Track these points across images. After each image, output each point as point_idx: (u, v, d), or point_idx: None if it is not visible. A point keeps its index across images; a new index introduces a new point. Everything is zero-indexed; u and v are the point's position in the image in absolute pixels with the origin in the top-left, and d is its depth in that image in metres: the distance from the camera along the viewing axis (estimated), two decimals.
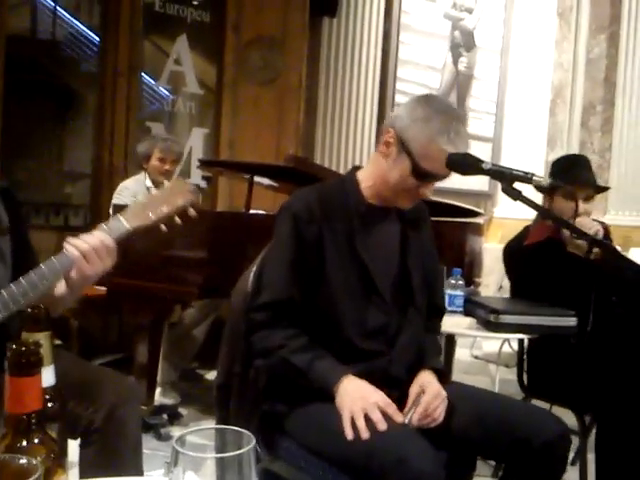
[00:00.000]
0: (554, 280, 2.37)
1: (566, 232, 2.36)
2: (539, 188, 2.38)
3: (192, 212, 1.54)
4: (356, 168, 1.75)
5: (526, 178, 1.51)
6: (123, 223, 1.49)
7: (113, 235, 1.49)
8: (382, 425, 1.41)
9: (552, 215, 1.71)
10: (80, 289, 1.59)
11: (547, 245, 2.43)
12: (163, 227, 1.52)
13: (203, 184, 3.84)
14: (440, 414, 1.54)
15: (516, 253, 2.55)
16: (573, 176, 2.48)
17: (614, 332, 2.36)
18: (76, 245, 1.46)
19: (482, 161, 1.60)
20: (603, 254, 2.18)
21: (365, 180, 1.68)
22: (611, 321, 2.37)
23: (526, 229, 2.60)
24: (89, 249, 1.45)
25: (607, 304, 2.36)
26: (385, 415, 1.44)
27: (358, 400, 1.45)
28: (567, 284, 2.36)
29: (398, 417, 1.46)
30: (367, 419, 1.43)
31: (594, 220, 2.48)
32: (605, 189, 2.61)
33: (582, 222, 2.34)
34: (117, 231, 1.49)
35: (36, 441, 0.74)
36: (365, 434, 1.41)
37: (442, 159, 1.54)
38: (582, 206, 2.43)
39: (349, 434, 1.42)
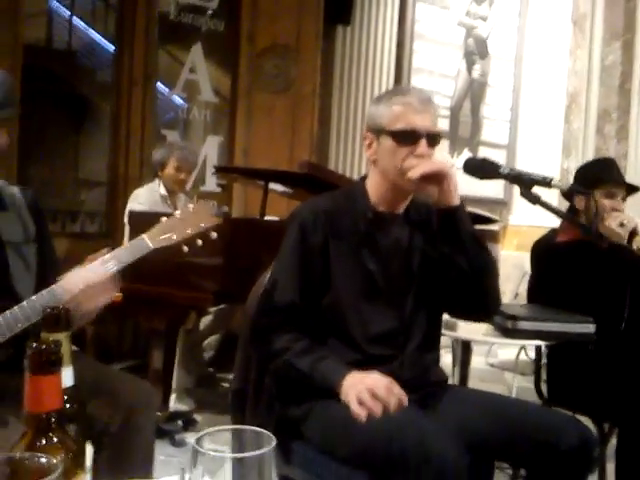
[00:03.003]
0: (586, 282, 2.35)
1: (605, 223, 2.38)
2: (567, 192, 2.40)
3: (214, 235, 1.58)
4: (365, 177, 1.77)
5: (545, 182, 1.51)
6: (147, 243, 1.53)
7: (136, 253, 1.51)
8: (392, 400, 1.43)
9: (572, 218, 1.70)
10: (84, 319, 1.57)
11: (580, 246, 2.41)
12: (185, 248, 1.55)
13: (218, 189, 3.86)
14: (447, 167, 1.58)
15: (548, 251, 2.52)
16: (611, 175, 2.52)
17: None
18: (68, 290, 1.45)
19: (500, 165, 1.60)
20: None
21: (370, 188, 1.71)
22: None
23: (553, 231, 2.58)
24: (81, 292, 1.45)
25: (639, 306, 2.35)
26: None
27: (359, 385, 1.47)
28: (599, 286, 2.34)
29: (404, 398, 1.46)
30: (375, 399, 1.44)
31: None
32: (636, 187, 2.62)
33: (620, 216, 2.37)
34: (140, 250, 1.52)
35: (55, 440, 0.74)
36: (378, 410, 1.41)
37: (409, 112, 1.59)
38: (620, 205, 2.46)
39: (362, 416, 1.42)
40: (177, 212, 1.58)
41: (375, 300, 1.64)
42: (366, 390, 1.44)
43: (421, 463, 1.29)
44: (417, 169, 1.55)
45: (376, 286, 1.64)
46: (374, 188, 1.70)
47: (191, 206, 1.59)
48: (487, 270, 1.64)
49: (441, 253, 1.63)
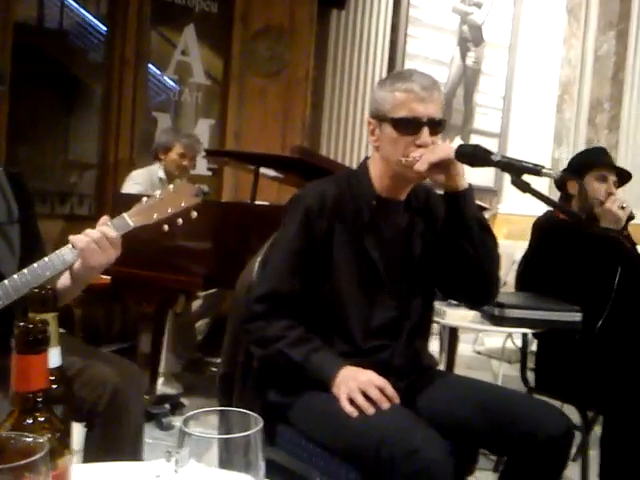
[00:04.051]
0: (577, 263, 2.38)
1: (606, 205, 2.44)
2: (559, 181, 2.43)
3: (194, 214, 1.58)
4: (367, 160, 1.72)
5: (535, 170, 1.50)
6: (127, 221, 1.54)
7: (117, 232, 1.53)
8: (385, 404, 1.43)
9: (561, 207, 1.72)
10: (85, 281, 1.61)
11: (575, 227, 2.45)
12: (165, 227, 1.56)
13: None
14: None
15: (551, 223, 2.54)
16: (602, 159, 2.58)
17: (626, 325, 2.36)
18: (79, 239, 1.50)
19: (491, 153, 1.59)
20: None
21: (373, 173, 1.68)
22: (630, 312, 2.38)
23: (550, 212, 2.60)
24: (91, 242, 1.49)
25: (629, 291, 2.38)
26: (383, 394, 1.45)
27: (351, 381, 1.46)
28: (589, 268, 2.39)
29: (395, 397, 1.46)
30: (367, 398, 1.44)
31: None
32: (629, 175, 2.63)
33: (620, 199, 2.45)
34: (121, 228, 1.53)
35: (42, 420, 0.74)
36: (370, 409, 1.42)
37: (411, 100, 1.55)
38: (614, 189, 2.50)
39: (353, 412, 1.42)
40: (157, 192, 1.59)
41: (376, 290, 1.62)
42: (358, 389, 1.44)
43: (410, 475, 1.29)
44: (423, 160, 1.52)
45: (378, 275, 1.62)
46: (377, 174, 1.66)
47: (171, 186, 1.60)
48: (491, 255, 1.63)
49: (446, 238, 1.61)
